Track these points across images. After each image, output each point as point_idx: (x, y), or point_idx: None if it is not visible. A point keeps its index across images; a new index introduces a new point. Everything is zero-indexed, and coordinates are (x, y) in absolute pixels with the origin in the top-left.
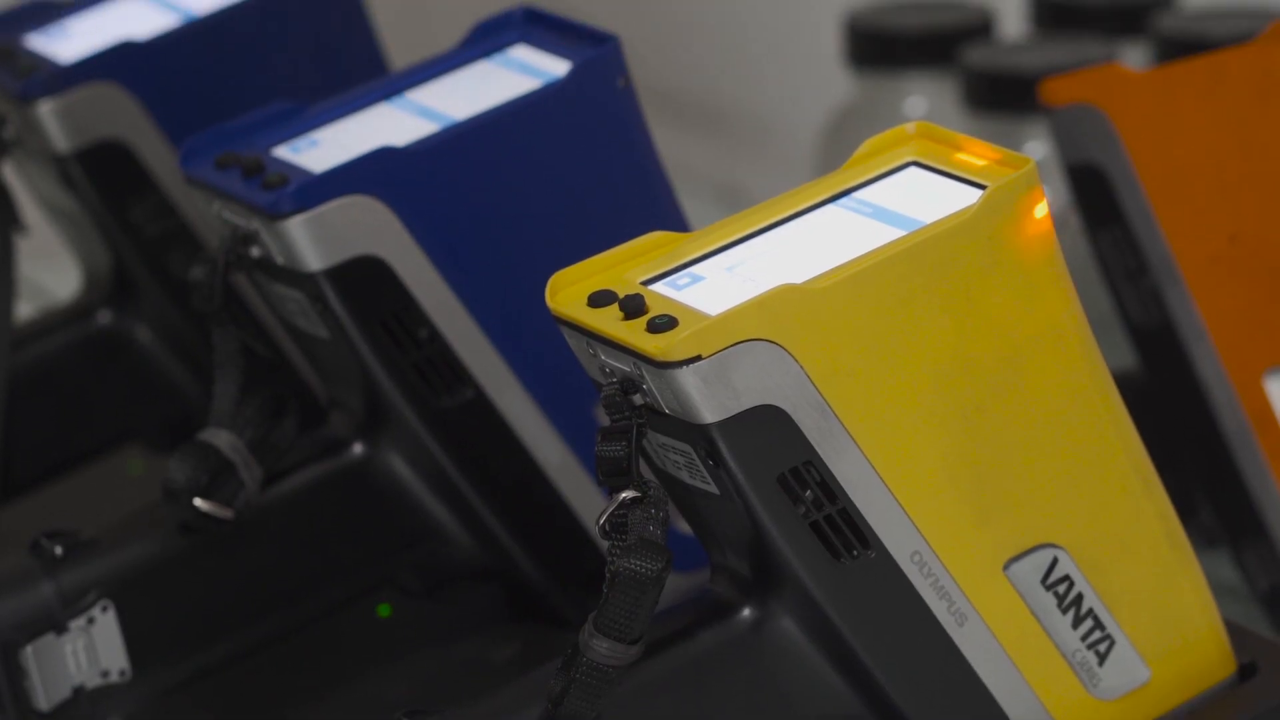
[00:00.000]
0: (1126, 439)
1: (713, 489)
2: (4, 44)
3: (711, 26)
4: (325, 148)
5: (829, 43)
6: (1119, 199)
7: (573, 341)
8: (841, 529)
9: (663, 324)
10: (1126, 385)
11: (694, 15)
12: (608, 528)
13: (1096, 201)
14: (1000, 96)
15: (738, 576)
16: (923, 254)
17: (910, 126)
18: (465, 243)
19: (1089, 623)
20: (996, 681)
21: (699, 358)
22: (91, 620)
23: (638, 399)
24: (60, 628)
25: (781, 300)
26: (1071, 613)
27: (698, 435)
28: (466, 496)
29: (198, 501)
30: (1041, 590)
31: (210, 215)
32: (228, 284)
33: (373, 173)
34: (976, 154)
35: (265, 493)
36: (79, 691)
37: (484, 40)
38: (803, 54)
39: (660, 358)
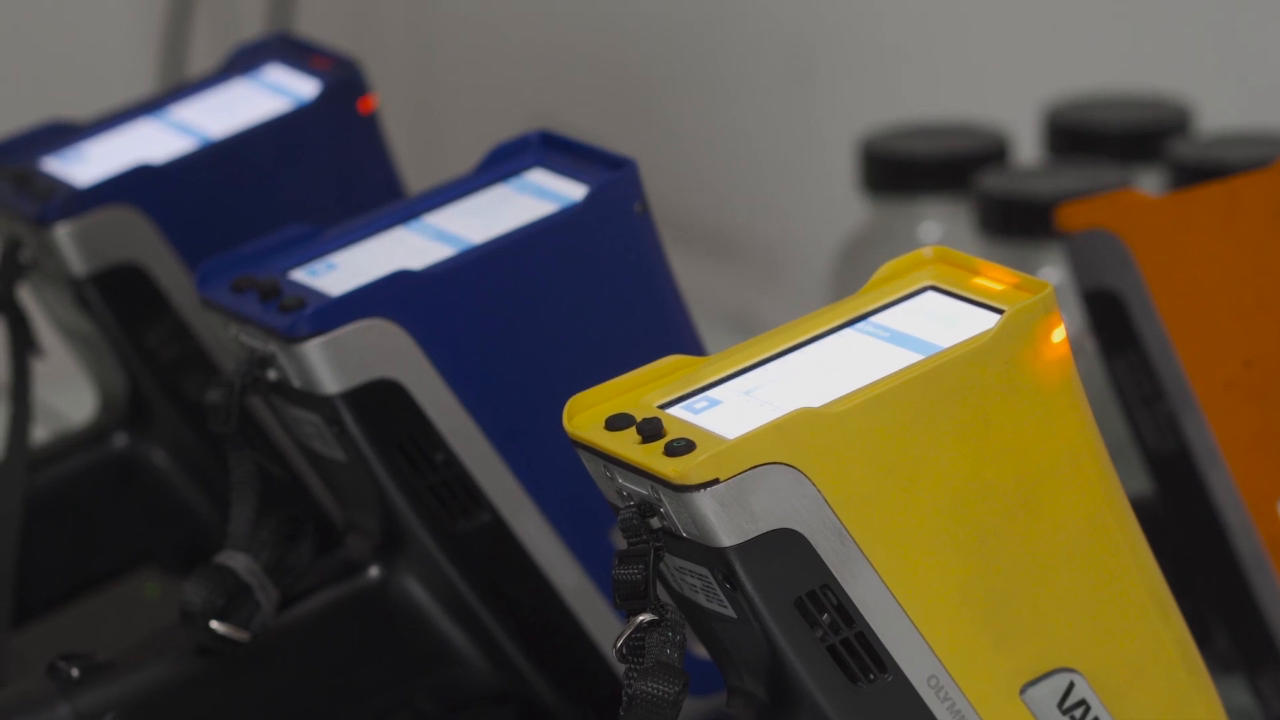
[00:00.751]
0: (1143, 564)
1: (729, 612)
2: (21, 167)
3: (725, 152)
4: (342, 271)
5: (843, 168)
6: (1135, 324)
7: (590, 465)
8: (858, 653)
9: (680, 447)
10: (1142, 510)
11: (708, 141)
12: (624, 651)
13: (1112, 326)
14: (1015, 222)
15: (754, 700)
16: (940, 378)
17: (927, 251)
18: (482, 366)
19: None
20: None
21: (716, 481)
22: None
23: (655, 522)
24: None
25: (799, 424)
26: None
27: (715, 559)
28: (483, 620)
29: (214, 624)
30: (1058, 715)
31: (226, 338)
32: (244, 407)
33: (390, 296)
34: (993, 278)
35: (281, 615)
36: None
37: (500, 164)
38: (817, 180)
39: (678, 481)
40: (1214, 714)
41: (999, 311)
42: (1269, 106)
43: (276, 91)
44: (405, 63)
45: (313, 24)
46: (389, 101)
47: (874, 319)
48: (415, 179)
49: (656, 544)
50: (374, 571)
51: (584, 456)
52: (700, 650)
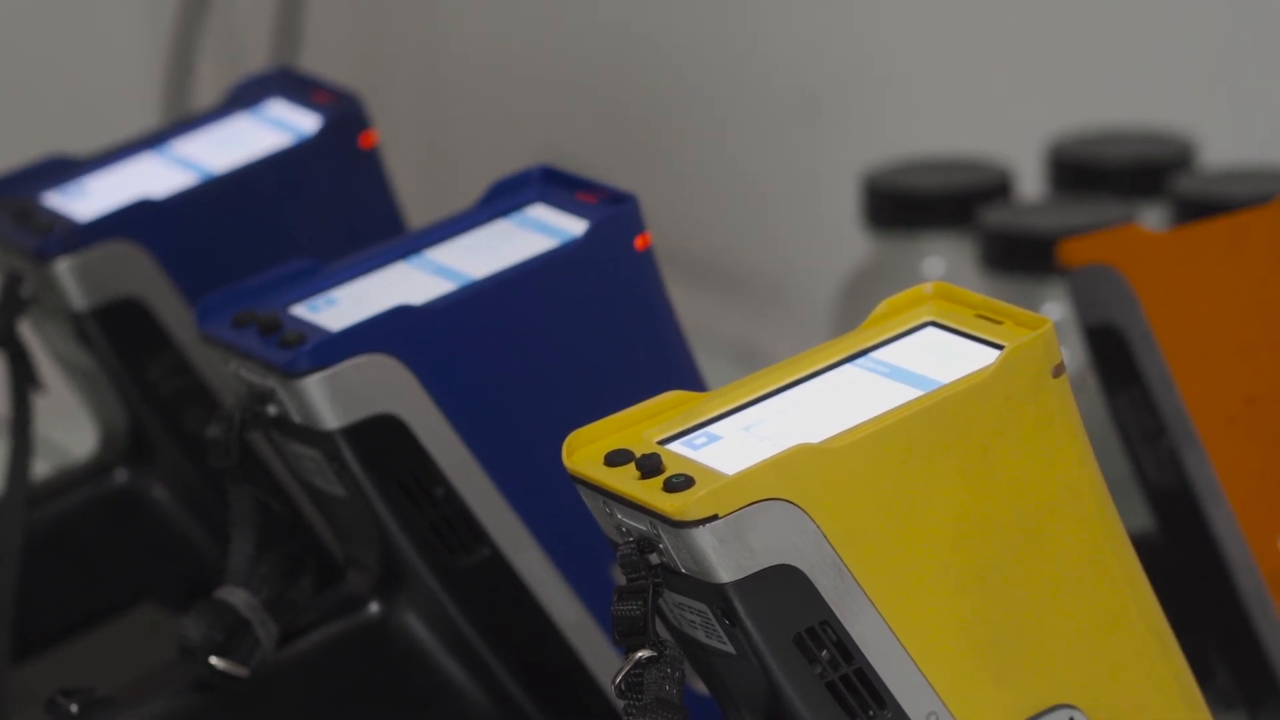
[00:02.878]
0: (1143, 600)
1: (729, 648)
2: (22, 201)
3: (729, 186)
4: (343, 306)
5: (846, 203)
6: (1137, 360)
7: (589, 500)
8: (858, 689)
9: (679, 483)
10: (1143, 546)
11: (711, 175)
12: (623, 687)
13: (1114, 362)
14: (1018, 257)
15: None
16: (940, 414)
17: (927, 287)
18: (482, 401)
19: None
20: None
21: (715, 517)
22: None
23: (654, 558)
24: None
25: (798, 460)
26: None
27: (714, 595)
28: (482, 655)
29: (213, 659)
30: None
31: (227, 373)
32: (244, 442)
33: (390, 331)
34: (994, 314)
35: (281, 651)
36: None
37: (501, 199)
38: (820, 214)
39: (677, 517)
40: None
41: (999, 348)
42: (1273, 142)
43: (278, 126)
44: (411, 98)
45: (319, 59)
46: (395, 136)
47: (873, 355)
48: (421, 214)
49: (656, 580)
50: (374, 607)
51: (583, 492)
52: (699, 686)
